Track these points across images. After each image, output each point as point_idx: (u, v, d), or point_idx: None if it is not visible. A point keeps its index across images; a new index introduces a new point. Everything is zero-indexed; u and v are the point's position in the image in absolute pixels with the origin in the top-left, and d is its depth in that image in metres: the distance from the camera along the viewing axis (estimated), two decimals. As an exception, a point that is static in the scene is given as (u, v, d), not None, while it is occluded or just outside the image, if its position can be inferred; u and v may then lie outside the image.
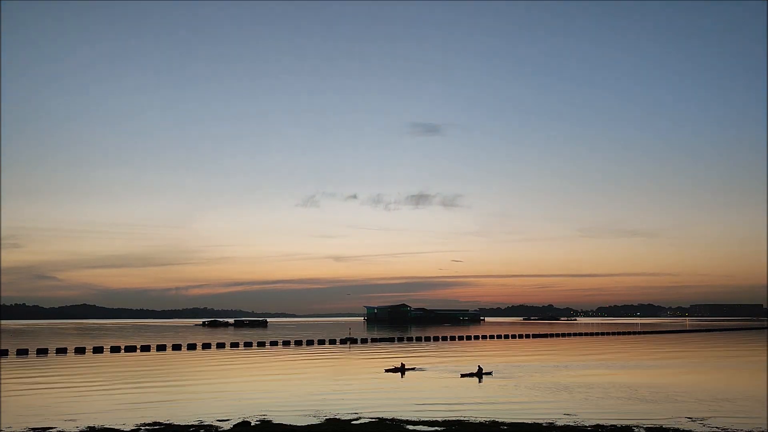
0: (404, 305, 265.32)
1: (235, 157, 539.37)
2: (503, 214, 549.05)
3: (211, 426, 22.30)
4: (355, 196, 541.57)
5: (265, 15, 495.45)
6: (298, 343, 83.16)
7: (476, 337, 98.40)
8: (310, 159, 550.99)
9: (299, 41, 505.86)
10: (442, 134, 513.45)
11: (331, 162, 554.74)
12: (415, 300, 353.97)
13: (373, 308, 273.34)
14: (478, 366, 41.55)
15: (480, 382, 36.94)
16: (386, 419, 23.33)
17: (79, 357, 60.23)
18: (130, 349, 69.83)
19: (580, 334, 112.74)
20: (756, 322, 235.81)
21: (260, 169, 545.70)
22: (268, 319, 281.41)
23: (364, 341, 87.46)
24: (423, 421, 22.75)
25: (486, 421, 22.59)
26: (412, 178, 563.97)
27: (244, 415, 24.23)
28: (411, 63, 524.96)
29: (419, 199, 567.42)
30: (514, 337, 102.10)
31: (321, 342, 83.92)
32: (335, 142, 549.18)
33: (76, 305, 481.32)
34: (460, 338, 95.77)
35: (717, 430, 21.72)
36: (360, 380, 38.56)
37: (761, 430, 21.89)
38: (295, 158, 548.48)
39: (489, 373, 40.44)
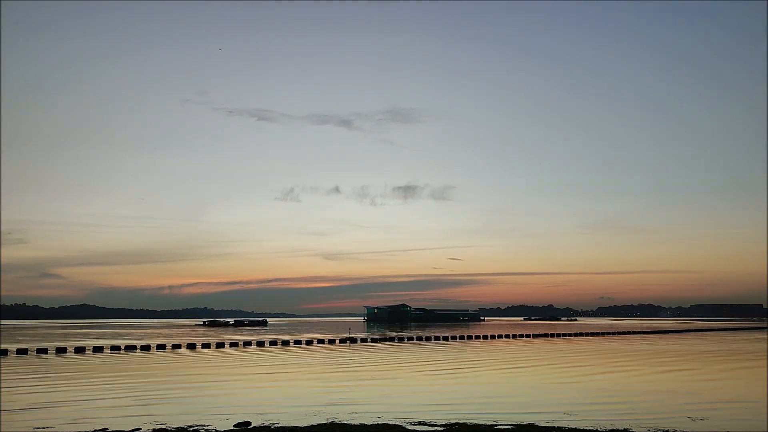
0: (404, 305, 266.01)
1: (229, 152, 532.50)
2: (498, 210, 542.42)
3: (211, 426, 22.30)
4: (337, 189, 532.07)
5: (246, 9, 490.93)
6: (298, 342, 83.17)
7: (477, 337, 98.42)
8: (288, 151, 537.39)
9: (280, 31, 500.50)
10: (426, 122, 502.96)
11: (309, 153, 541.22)
12: (412, 299, 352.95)
13: (373, 308, 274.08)
14: None
15: None
16: (386, 419, 23.33)
17: (79, 356, 60.22)
18: (131, 348, 69.84)
19: (581, 334, 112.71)
20: (756, 322, 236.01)
21: (242, 164, 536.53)
22: (268, 319, 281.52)
23: (363, 341, 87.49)
24: (423, 422, 22.75)
25: (486, 423, 22.57)
26: (398, 168, 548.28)
27: (244, 415, 24.22)
28: (390, 46, 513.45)
29: (407, 191, 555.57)
30: (515, 336, 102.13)
31: (320, 342, 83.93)
32: (313, 131, 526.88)
33: (76, 305, 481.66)
34: (461, 338, 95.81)
35: (717, 430, 21.72)
36: (360, 380, 38.55)
37: (761, 430, 21.88)
38: (271, 150, 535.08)
39: None
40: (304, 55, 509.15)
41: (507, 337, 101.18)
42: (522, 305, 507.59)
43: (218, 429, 21.71)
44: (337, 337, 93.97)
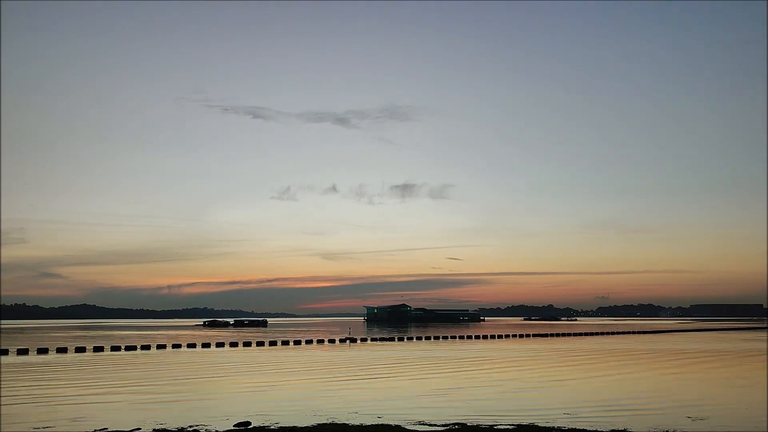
0: (404, 305, 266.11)
1: (224, 150, 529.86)
2: (498, 210, 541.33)
3: (211, 425, 22.29)
4: (334, 188, 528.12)
5: (242, 7, 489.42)
6: (298, 342, 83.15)
7: (477, 337, 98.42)
8: (284, 149, 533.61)
9: (276, 28, 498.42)
10: (424, 120, 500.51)
11: (306, 151, 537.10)
12: (412, 299, 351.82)
13: (373, 308, 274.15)
14: None
15: None
16: (386, 419, 23.32)
17: (80, 356, 60.22)
18: (131, 348, 69.86)
19: (581, 334, 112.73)
20: (756, 322, 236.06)
21: (238, 162, 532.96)
22: (268, 319, 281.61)
23: (363, 341, 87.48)
24: (423, 422, 22.75)
25: (486, 423, 22.57)
26: (395, 167, 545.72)
27: (244, 415, 24.22)
28: (388, 44, 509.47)
29: (405, 190, 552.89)
30: (515, 336, 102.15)
31: (320, 342, 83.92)
32: (309, 129, 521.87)
33: (76, 305, 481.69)
34: (461, 338, 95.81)
35: (717, 430, 21.71)
36: (360, 380, 38.55)
37: (762, 430, 21.88)
38: (267, 149, 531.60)
39: None
40: (300, 53, 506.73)
41: (507, 337, 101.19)
42: (522, 305, 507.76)
43: (218, 429, 21.70)
44: (337, 337, 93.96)
